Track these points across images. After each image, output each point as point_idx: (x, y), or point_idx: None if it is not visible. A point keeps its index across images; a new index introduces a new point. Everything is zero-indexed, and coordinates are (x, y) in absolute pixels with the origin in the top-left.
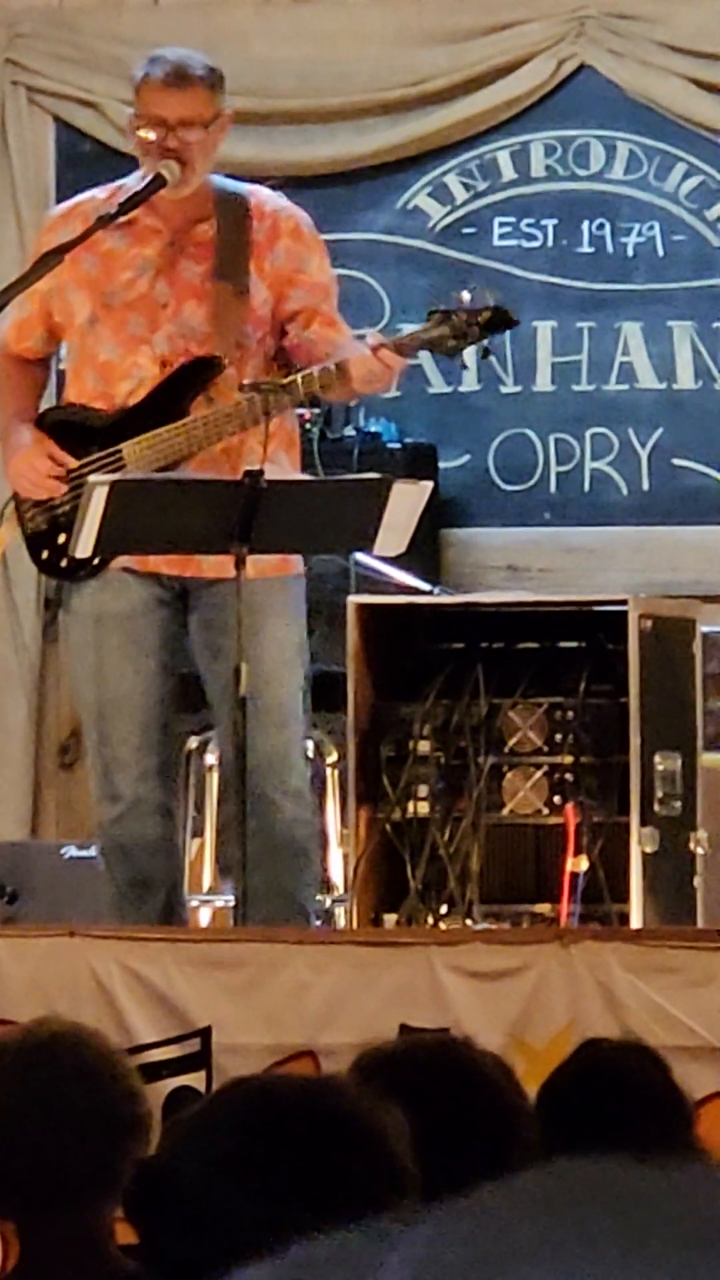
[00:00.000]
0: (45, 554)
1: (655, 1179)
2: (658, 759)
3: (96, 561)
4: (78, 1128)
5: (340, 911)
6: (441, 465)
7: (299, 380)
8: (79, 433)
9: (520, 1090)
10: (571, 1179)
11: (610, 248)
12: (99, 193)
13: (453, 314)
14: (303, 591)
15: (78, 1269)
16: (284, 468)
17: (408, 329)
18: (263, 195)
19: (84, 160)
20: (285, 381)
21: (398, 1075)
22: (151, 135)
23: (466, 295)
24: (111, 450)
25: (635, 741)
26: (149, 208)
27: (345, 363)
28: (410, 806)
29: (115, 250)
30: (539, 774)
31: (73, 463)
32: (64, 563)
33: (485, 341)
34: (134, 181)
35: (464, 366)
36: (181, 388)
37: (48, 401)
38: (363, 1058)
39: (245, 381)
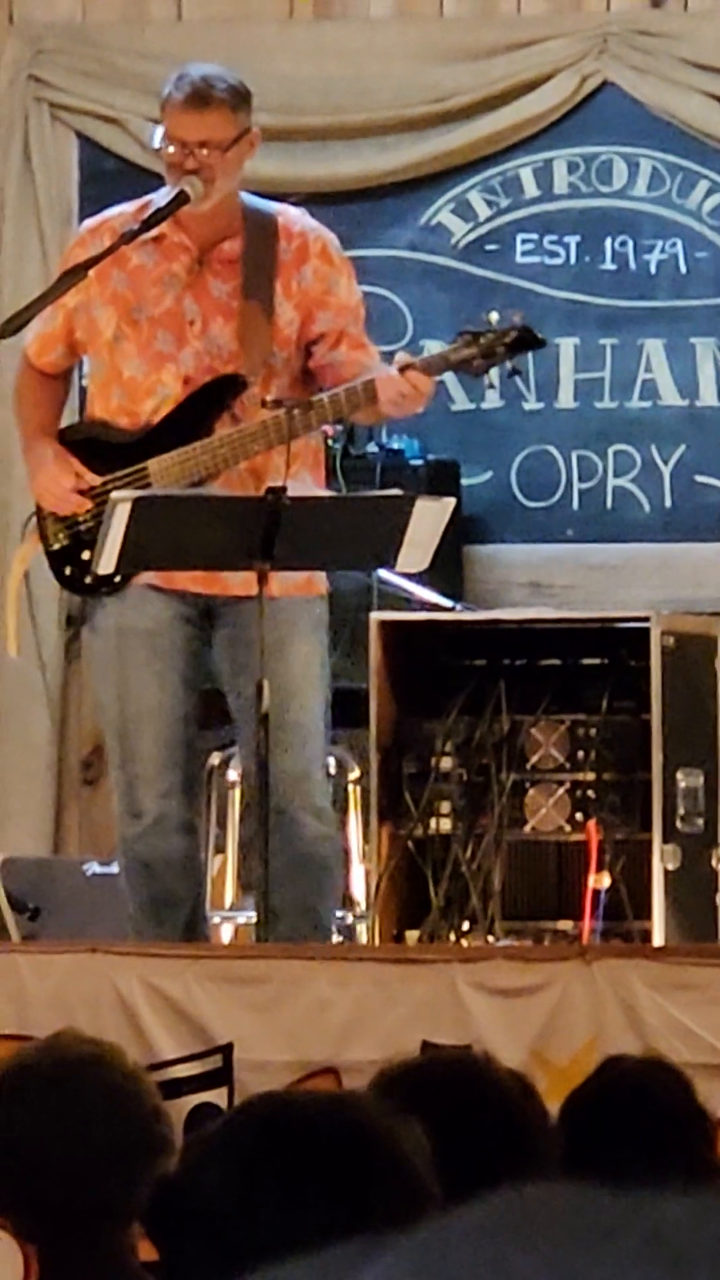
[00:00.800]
0: (68, 570)
1: (609, 1201)
2: (680, 776)
3: (119, 578)
4: (101, 1150)
5: (362, 928)
6: (464, 482)
7: (326, 401)
8: (102, 450)
9: (541, 1107)
10: (519, 1205)
11: (633, 264)
12: (127, 208)
13: (480, 335)
14: (326, 611)
15: None
16: (308, 486)
17: (434, 348)
18: (291, 215)
19: (107, 176)
20: (312, 401)
21: (418, 1091)
22: (174, 154)
23: (494, 316)
24: (137, 467)
25: (657, 758)
26: (177, 224)
27: (373, 384)
28: (432, 823)
29: (144, 266)
30: (561, 791)
31: (96, 479)
32: (87, 579)
33: (511, 362)
34: (161, 197)
35: (491, 385)
36: (206, 406)
37: (69, 416)
38: (383, 1074)
39: (269, 398)
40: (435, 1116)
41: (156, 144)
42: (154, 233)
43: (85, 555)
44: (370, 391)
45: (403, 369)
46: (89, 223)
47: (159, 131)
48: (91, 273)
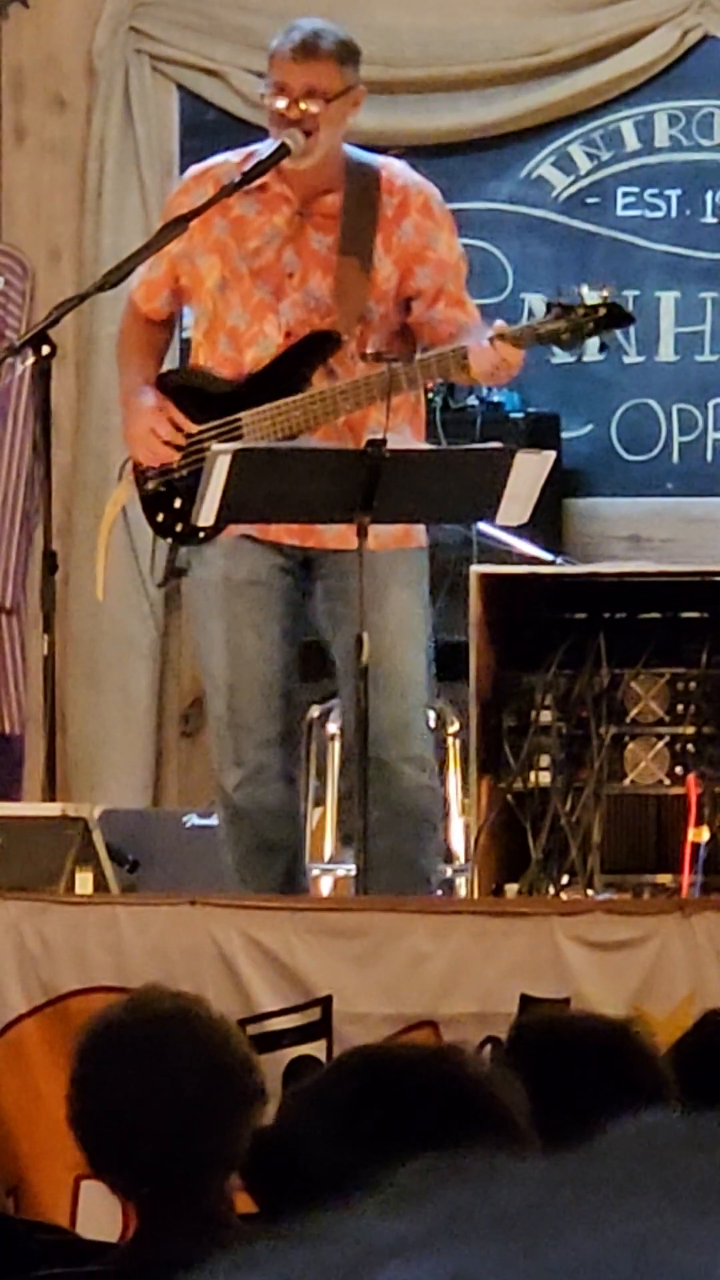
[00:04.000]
0: (161, 517)
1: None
2: None
3: (210, 529)
4: (193, 1105)
5: (461, 881)
6: (564, 435)
7: (418, 365)
8: (199, 398)
9: (648, 1061)
10: (640, 1139)
11: None
12: (231, 156)
13: (571, 309)
14: (426, 563)
15: (196, 1238)
16: (407, 438)
17: (534, 301)
18: (395, 169)
19: (207, 129)
20: (405, 363)
21: (523, 1046)
22: (278, 104)
23: (586, 289)
24: (230, 419)
25: None
26: (280, 176)
27: (466, 353)
28: (532, 776)
29: (245, 216)
30: (660, 744)
31: (192, 428)
32: (179, 527)
33: (602, 336)
34: (264, 149)
35: (581, 354)
36: (301, 360)
37: (171, 364)
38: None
39: (368, 350)
40: (534, 1070)
41: (264, 94)
42: (257, 183)
43: (177, 503)
44: (462, 359)
45: (492, 340)
46: (193, 170)
47: (266, 84)
48: (194, 221)
